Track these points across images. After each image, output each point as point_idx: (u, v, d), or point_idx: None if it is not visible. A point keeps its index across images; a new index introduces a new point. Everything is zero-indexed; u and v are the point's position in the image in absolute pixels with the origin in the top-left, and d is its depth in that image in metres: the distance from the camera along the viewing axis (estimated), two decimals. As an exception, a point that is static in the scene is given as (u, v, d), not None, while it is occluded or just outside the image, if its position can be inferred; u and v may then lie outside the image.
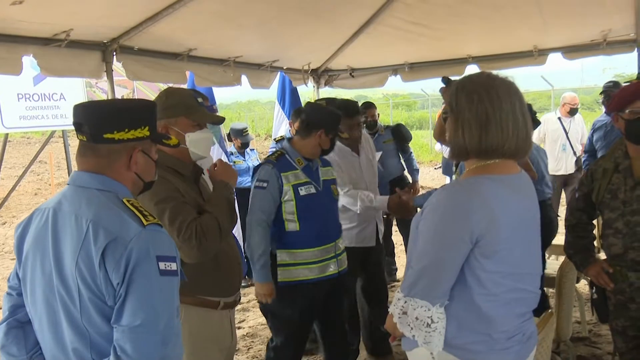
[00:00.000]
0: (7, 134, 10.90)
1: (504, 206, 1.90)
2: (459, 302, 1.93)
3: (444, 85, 3.33)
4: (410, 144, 6.69)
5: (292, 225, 3.40)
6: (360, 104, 5.44)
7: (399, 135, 6.43)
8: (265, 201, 3.35)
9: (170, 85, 6.42)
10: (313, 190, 3.45)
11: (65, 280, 1.73)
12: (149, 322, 1.68)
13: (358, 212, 4.04)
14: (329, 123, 3.50)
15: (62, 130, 10.46)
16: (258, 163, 3.62)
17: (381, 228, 4.37)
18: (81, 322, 1.73)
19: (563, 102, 7.36)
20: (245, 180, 6.46)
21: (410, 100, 28.07)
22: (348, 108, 4.02)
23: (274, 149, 5.90)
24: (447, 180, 7.40)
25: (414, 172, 6.72)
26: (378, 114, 6.44)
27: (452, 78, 5.57)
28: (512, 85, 1.95)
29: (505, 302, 1.94)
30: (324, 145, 3.51)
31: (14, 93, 8.60)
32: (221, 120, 2.88)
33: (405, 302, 1.93)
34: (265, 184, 3.36)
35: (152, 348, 1.70)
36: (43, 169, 18.04)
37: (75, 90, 8.99)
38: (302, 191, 3.41)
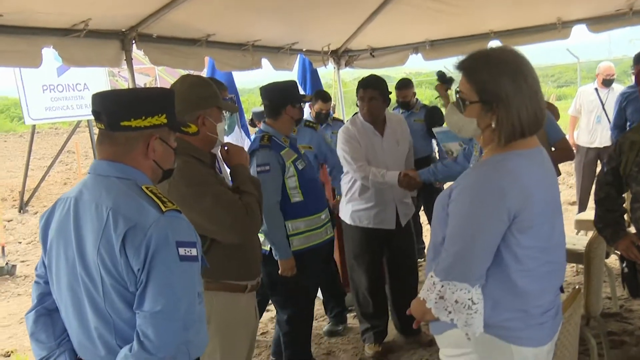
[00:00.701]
0: (34, 126, 11.06)
1: (534, 180, 1.90)
2: (494, 281, 1.92)
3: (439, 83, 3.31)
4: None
5: (296, 197, 3.65)
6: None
7: (430, 119, 6.24)
8: (274, 183, 3.55)
9: (190, 72, 6.44)
10: (304, 163, 3.72)
11: (88, 268, 1.76)
12: (169, 307, 1.71)
13: (369, 186, 4.10)
14: (290, 95, 3.75)
15: (87, 120, 10.56)
16: (251, 149, 3.64)
17: (405, 212, 4.27)
18: (105, 308, 1.76)
19: (597, 72, 7.20)
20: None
21: (433, 79, 27.78)
22: (360, 81, 4.20)
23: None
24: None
25: (442, 159, 6.53)
26: (414, 93, 6.33)
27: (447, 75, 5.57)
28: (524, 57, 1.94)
29: (540, 276, 1.94)
30: (296, 116, 3.78)
31: (39, 85, 8.70)
32: (237, 109, 2.97)
33: (443, 286, 1.91)
34: (267, 167, 3.54)
35: (174, 333, 1.72)
36: (71, 159, 18.28)
37: (98, 79, 9.07)
38: (300, 165, 3.67)
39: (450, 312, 1.91)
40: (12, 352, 5.04)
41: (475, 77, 1.92)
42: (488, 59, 1.93)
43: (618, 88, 6.87)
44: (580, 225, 5.60)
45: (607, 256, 4.44)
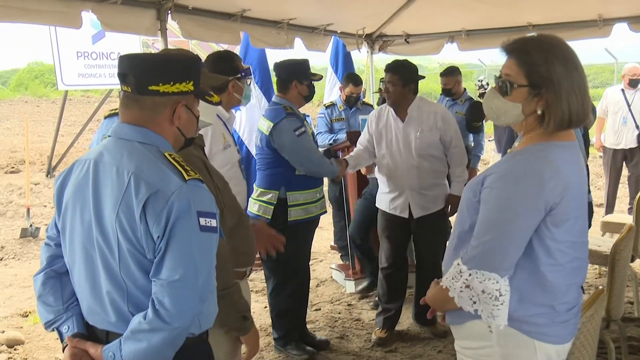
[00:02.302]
0: (66, 92, 11.16)
1: (573, 174, 1.87)
2: (522, 274, 1.88)
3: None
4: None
5: (301, 171, 3.93)
6: None
7: (471, 113, 6.08)
8: (311, 142, 3.95)
9: (224, 46, 6.44)
10: (305, 129, 3.93)
11: (105, 232, 1.74)
12: (188, 277, 1.67)
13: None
14: (297, 72, 3.97)
15: (119, 90, 10.58)
16: (277, 120, 3.86)
17: (422, 203, 4.19)
18: (119, 273, 1.74)
19: (623, 73, 7.09)
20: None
21: (466, 71, 27.46)
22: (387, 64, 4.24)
23: (323, 116, 5.89)
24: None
25: (474, 157, 6.36)
26: (458, 82, 6.24)
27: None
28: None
29: (569, 271, 1.91)
30: (304, 93, 4.01)
31: (74, 51, 8.74)
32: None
33: (470, 275, 1.86)
34: (303, 128, 3.87)
35: (190, 303, 1.69)
36: (101, 128, 18.46)
37: (133, 49, 9.09)
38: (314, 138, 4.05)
39: (475, 302, 1.87)
40: (30, 312, 5.13)
41: (526, 59, 1.86)
42: (540, 43, 1.87)
43: None
44: (606, 227, 5.52)
45: (632, 260, 4.36)
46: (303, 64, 4.04)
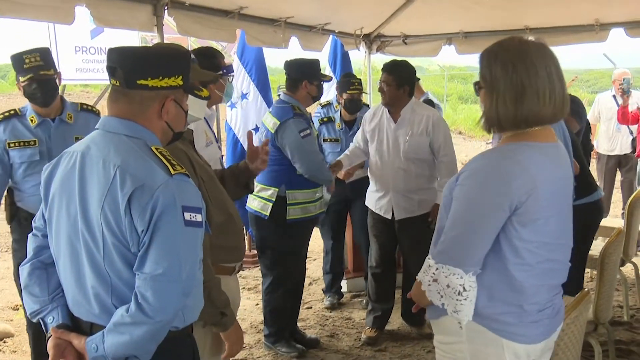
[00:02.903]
0: (64, 86, 11.10)
1: (543, 174, 1.86)
2: (492, 272, 1.90)
3: None
4: (462, 119, 6.47)
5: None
6: None
7: None
8: (314, 144, 3.97)
9: (221, 43, 6.41)
10: (311, 131, 3.98)
11: (90, 224, 1.74)
12: (171, 271, 1.67)
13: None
14: (308, 72, 3.99)
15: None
16: (284, 119, 3.90)
17: (404, 205, 4.18)
18: (103, 266, 1.74)
19: (613, 79, 7.10)
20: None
21: (466, 73, 27.49)
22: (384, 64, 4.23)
23: (319, 115, 5.90)
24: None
25: None
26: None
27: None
28: (547, 49, 1.90)
29: (539, 272, 1.91)
30: (313, 93, 4.03)
31: (72, 46, 8.70)
32: (209, 78, 2.76)
33: (437, 269, 1.90)
34: (308, 130, 3.91)
35: (173, 297, 1.70)
36: (99, 123, 18.45)
37: (132, 45, 9.10)
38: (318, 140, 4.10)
39: (442, 297, 1.90)
40: (20, 305, 5.13)
41: (480, 62, 1.94)
42: (493, 47, 1.93)
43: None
44: (600, 231, 5.51)
45: (623, 264, 4.38)
46: (314, 64, 4.07)
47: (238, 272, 2.74)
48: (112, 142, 1.78)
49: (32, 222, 1.99)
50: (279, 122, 3.89)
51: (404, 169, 4.11)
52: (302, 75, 3.99)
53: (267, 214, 3.96)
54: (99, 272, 1.75)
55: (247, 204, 4.14)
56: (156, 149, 1.79)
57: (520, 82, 1.83)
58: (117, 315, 1.71)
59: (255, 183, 4.06)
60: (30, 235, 1.99)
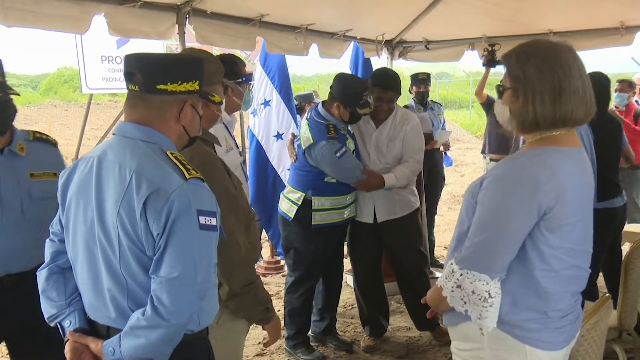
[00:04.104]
0: (91, 95, 11.28)
1: (571, 179, 1.85)
2: (516, 277, 1.88)
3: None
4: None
5: (331, 179, 3.95)
6: None
7: None
8: (353, 158, 3.97)
9: (245, 52, 6.44)
10: (346, 149, 3.94)
11: (106, 228, 1.77)
12: (186, 274, 1.70)
13: None
14: (347, 98, 3.89)
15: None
16: (317, 141, 3.89)
17: (386, 208, 4.21)
18: (120, 270, 1.77)
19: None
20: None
21: (491, 79, 27.35)
22: (379, 78, 4.19)
23: None
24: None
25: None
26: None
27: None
28: (574, 50, 1.90)
29: (564, 278, 1.90)
30: (344, 117, 3.95)
31: (98, 55, 8.85)
32: (235, 86, 2.97)
33: (461, 275, 1.88)
34: (344, 149, 3.88)
35: (189, 300, 1.72)
36: (126, 132, 18.70)
37: (156, 54, 9.22)
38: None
39: (465, 303, 1.88)
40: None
41: (508, 63, 1.93)
42: (522, 47, 1.92)
43: None
44: (626, 236, 5.42)
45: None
46: (354, 91, 3.93)
47: None
48: (128, 147, 1.81)
49: (50, 227, 2.03)
50: (312, 142, 3.91)
51: (384, 171, 4.10)
52: (339, 96, 3.93)
53: (292, 216, 4.03)
54: (115, 275, 1.78)
55: (278, 205, 4.22)
56: (171, 153, 1.82)
57: (558, 81, 1.83)
58: (134, 319, 1.73)
59: (286, 184, 4.22)
60: (47, 240, 2.03)
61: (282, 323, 4.31)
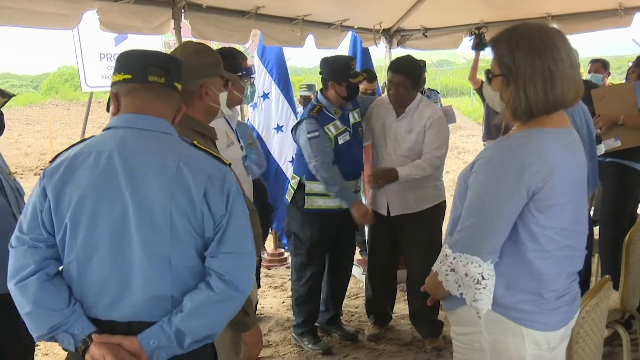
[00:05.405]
0: (91, 93, 11.29)
1: (559, 159, 1.86)
2: (510, 259, 1.89)
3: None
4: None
5: None
6: None
7: None
8: (322, 145, 3.91)
9: (244, 45, 6.42)
10: (348, 137, 4.01)
11: (153, 217, 1.76)
12: (248, 247, 1.86)
13: None
14: (336, 73, 3.96)
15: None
16: (301, 118, 4.04)
17: (395, 201, 4.14)
18: (169, 257, 1.78)
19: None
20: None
21: (482, 64, 27.29)
22: (392, 62, 4.21)
23: None
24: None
25: None
26: None
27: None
28: (563, 33, 1.90)
29: (558, 259, 1.91)
30: (341, 94, 3.97)
31: (97, 53, 8.85)
32: (237, 80, 2.98)
33: (454, 258, 1.89)
34: (317, 133, 3.90)
35: (251, 270, 1.88)
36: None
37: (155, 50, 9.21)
38: (340, 140, 3.99)
39: (460, 286, 1.90)
40: None
41: (497, 50, 1.91)
42: (511, 33, 1.91)
43: None
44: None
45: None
46: (340, 64, 4.01)
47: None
48: (152, 138, 1.84)
49: (21, 234, 1.85)
50: (297, 121, 4.04)
51: (399, 163, 4.03)
52: (328, 75, 4.00)
53: (289, 200, 4.15)
54: (160, 263, 1.78)
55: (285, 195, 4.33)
56: (198, 143, 1.93)
57: (548, 67, 1.83)
58: (200, 298, 1.77)
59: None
60: (24, 248, 1.83)
61: (288, 318, 4.35)
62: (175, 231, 1.77)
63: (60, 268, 1.86)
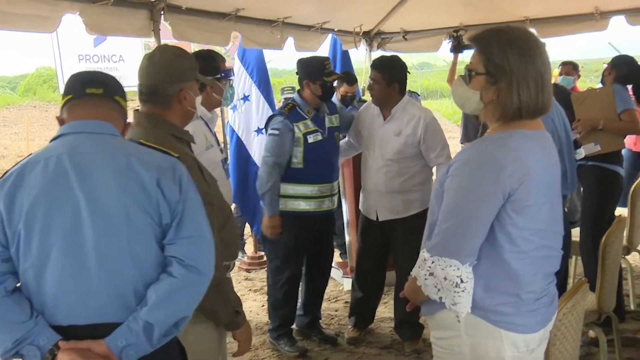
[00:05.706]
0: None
1: (534, 160, 1.87)
2: (487, 262, 1.89)
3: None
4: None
5: (296, 165, 3.98)
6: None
7: None
8: (277, 146, 3.93)
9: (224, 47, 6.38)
10: (320, 137, 4.01)
11: (108, 213, 1.78)
12: (205, 232, 1.91)
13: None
14: (310, 72, 4.01)
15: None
16: (272, 115, 4.10)
17: (385, 206, 4.10)
18: (128, 250, 1.80)
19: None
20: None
21: (460, 67, 27.43)
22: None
23: None
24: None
25: None
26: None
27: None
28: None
29: (535, 260, 1.92)
30: (316, 92, 4.00)
31: (75, 55, 8.77)
32: (212, 83, 3.03)
33: (433, 262, 1.89)
34: (277, 132, 3.93)
35: (211, 253, 1.91)
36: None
37: (134, 52, 9.11)
38: (310, 139, 3.99)
39: (439, 290, 1.89)
40: None
41: (485, 49, 1.91)
42: (499, 33, 1.91)
43: None
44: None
45: (628, 252, 4.35)
46: (315, 63, 4.05)
47: (231, 269, 2.76)
48: (103, 139, 1.90)
49: None
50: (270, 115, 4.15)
51: (385, 167, 4.02)
52: (304, 74, 4.04)
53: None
54: (119, 260, 1.80)
55: None
56: (145, 141, 2.02)
57: (539, 71, 1.85)
58: (164, 287, 1.80)
59: None
60: None
61: (267, 321, 4.34)
62: (132, 224, 1.80)
63: (18, 285, 1.83)
